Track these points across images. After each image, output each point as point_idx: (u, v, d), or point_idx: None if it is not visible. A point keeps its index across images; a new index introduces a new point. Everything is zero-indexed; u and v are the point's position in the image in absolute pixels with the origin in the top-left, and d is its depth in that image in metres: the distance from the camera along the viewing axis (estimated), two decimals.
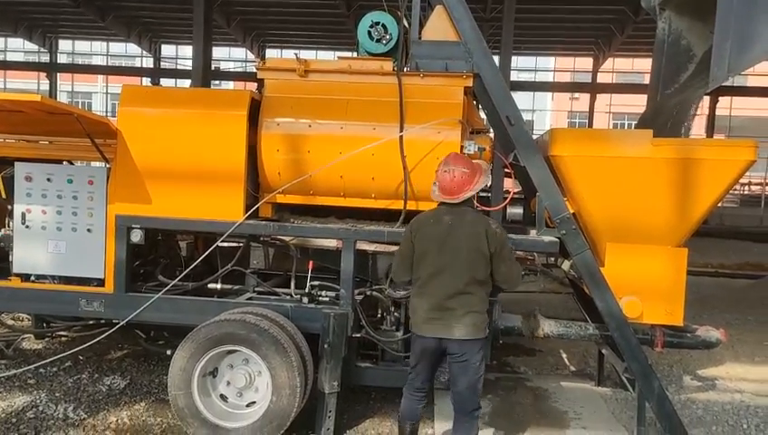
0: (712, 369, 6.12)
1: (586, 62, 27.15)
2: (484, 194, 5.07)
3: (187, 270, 4.69)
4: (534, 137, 5.09)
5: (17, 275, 4.78)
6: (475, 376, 3.78)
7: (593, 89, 26.38)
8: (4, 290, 4.77)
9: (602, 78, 26.72)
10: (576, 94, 31.68)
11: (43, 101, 4.15)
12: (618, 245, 4.50)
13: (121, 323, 4.62)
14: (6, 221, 4.93)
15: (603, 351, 5.33)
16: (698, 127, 28.14)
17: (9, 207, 4.84)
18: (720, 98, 25.12)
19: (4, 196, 4.86)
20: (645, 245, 4.46)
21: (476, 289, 3.74)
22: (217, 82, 27.68)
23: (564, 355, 6.58)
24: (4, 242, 4.86)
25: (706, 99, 25.41)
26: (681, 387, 5.68)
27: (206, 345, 4.23)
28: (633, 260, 4.49)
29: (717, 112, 25.17)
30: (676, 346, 4.89)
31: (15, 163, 4.77)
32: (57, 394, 5.03)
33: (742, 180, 31.33)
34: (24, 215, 4.69)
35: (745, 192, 31.76)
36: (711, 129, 24.97)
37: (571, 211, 4.49)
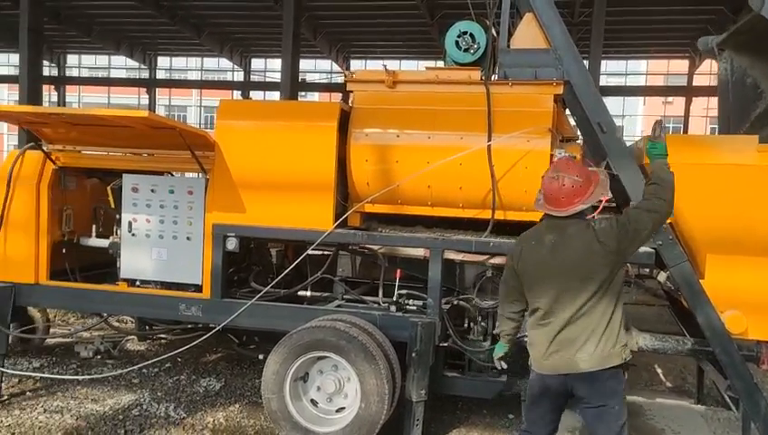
0: None
1: (681, 65, 25.98)
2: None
3: (279, 277, 4.84)
4: (627, 144, 4.94)
5: (124, 280, 5.09)
6: (616, 423, 3.15)
7: (688, 92, 25.17)
8: (113, 294, 5.09)
9: (698, 81, 25.47)
10: (670, 98, 30.32)
11: (150, 116, 4.41)
12: (719, 256, 4.28)
13: (218, 328, 4.81)
14: (115, 229, 5.26)
15: (703, 367, 5.09)
16: None
17: (117, 216, 5.16)
18: None
19: (112, 205, 5.19)
20: (749, 256, 4.22)
21: (603, 310, 3.15)
22: (303, 93, 28.41)
23: (660, 370, 6.32)
24: (113, 249, 5.19)
25: None
26: None
27: (298, 351, 4.34)
28: (736, 272, 4.25)
29: None
30: None
31: (123, 175, 5.09)
32: (159, 393, 5.31)
33: None
34: (130, 223, 4.99)
35: None
36: None
37: (669, 221, 4.31)
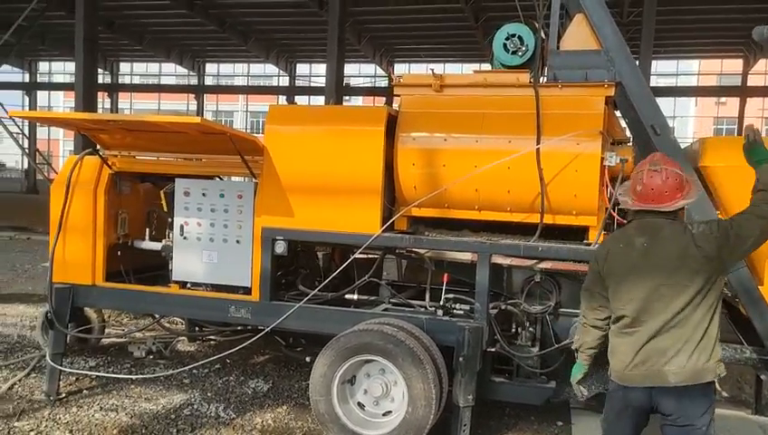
0: None
1: (735, 64, 25.22)
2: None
3: (327, 280, 4.87)
4: (681, 146, 4.82)
5: (176, 282, 5.21)
6: None
7: (743, 92, 24.49)
8: (166, 296, 5.21)
9: (753, 80, 24.68)
10: (723, 99, 29.47)
11: (203, 122, 4.51)
12: None
13: (267, 330, 4.87)
14: (167, 233, 5.39)
15: (762, 376, 4.89)
16: None
17: (169, 219, 5.29)
18: None
19: (165, 209, 5.32)
20: None
21: (698, 318, 2.92)
22: (348, 97, 28.65)
23: (716, 379, 6.11)
24: (165, 252, 5.32)
25: None
26: None
27: (345, 354, 4.37)
28: None
29: None
30: None
31: (175, 179, 5.21)
32: (209, 394, 5.41)
33: None
34: (182, 227, 5.11)
35: None
36: None
37: None
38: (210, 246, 5.07)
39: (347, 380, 4.46)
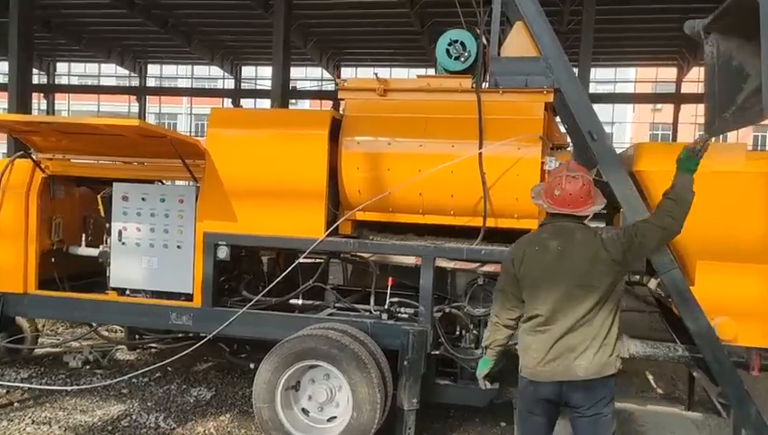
0: None
1: (669, 72, 26.20)
2: None
3: (271, 285, 4.83)
4: (617, 151, 4.96)
5: (114, 289, 5.06)
6: (608, 432, 3.16)
7: (677, 99, 25.42)
8: (103, 304, 5.05)
9: (687, 88, 25.69)
10: (659, 106, 30.57)
11: (141, 125, 4.41)
12: (709, 263, 4.30)
13: (209, 337, 4.79)
14: (104, 238, 5.23)
15: (694, 374, 5.09)
16: None
17: (107, 224, 5.13)
18: None
19: (102, 214, 5.16)
20: (738, 263, 4.25)
21: (604, 317, 3.14)
22: (294, 101, 28.43)
23: (651, 377, 6.33)
24: (103, 258, 5.16)
25: None
26: None
27: (289, 359, 4.33)
28: (726, 279, 4.28)
29: None
30: None
31: (113, 183, 5.06)
32: (149, 404, 5.27)
33: None
34: (120, 232, 4.96)
35: None
36: None
37: None
38: (150, 252, 4.94)
39: (291, 386, 4.42)
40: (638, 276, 5.14)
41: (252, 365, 4.92)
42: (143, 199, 4.95)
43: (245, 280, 5.30)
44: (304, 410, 4.45)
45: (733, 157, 4.18)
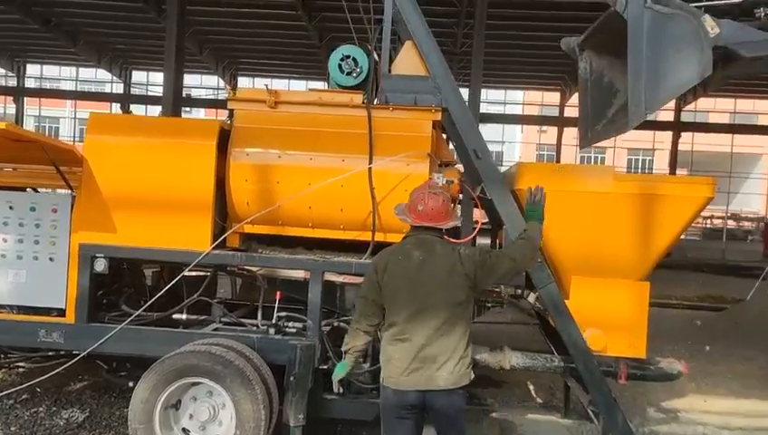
0: (675, 401, 6.19)
1: (554, 97, 27.76)
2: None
3: (152, 300, 4.62)
4: (503, 169, 5.18)
5: None
6: (462, 424, 3.48)
7: (560, 123, 26.94)
8: None
9: (569, 112, 27.30)
10: (544, 127, 32.28)
11: (8, 128, 4.10)
12: (582, 278, 4.57)
13: (82, 355, 4.51)
14: None
15: (569, 383, 5.37)
16: (662, 162, 28.95)
17: None
18: (682, 134, 25.86)
19: None
20: (609, 278, 4.54)
21: (459, 329, 3.38)
22: (188, 109, 27.58)
23: (531, 387, 6.60)
24: None
25: (669, 134, 26.17)
26: (645, 419, 5.73)
27: (170, 377, 4.15)
28: (597, 293, 4.55)
29: (680, 148, 25.85)
30: (639, 379, 4.94)
31: None
32: (12, 428, 4.88)
33: (705, 214, 32.28)
34: None
35: (708, 226, 32.64)
36: (674, 164, 25.62)
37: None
38: (17, 264, 4.61)
39: (171, 404, 4.25)
40: (518, 290, 5.37)
41: (131, 384, 4.67)
42: (10, 208, 4.60)
43: (126, 294, 5.05)
44: (185, 430, 4.28)
45: (602, 178, 4.47)
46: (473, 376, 3.47)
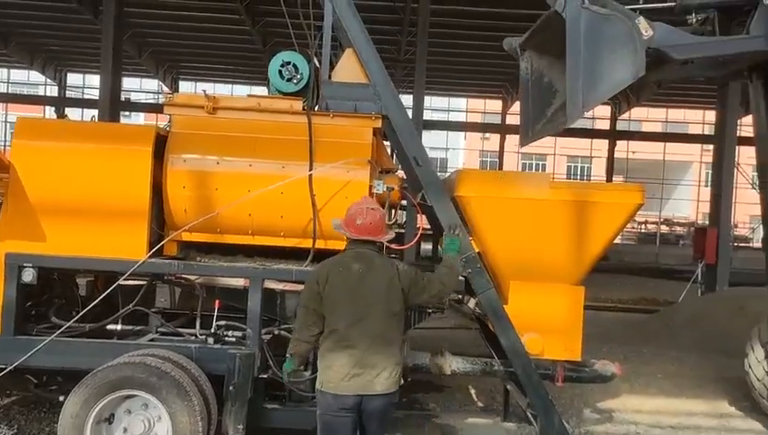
0: (610, 402, 6.38)
1: (496, 104, 28.29)
2: (400, 231, 5.15)
3: (84, 311, 4.47)
4: (445, 175, 5.24)
5: None
6: (388, 423, 3.79)
7: (503, 130, 27.44)
8: None
9: (511, 120, 27.87)
10: (487, 134, 32.84)
11: None
12: (520, 283, 4.67)
13: (8, 369, 4.32)
14: None
15: (508, 387, 5.46)
16: (599, 169, 29.87)
17: None
18: (618, 142, 26.77)
19: None
20: (545, 283, 4.65)
21: (396, 338, 3.60)
22: (127, 113, 26.90)
23: (473, 391, 6.68)
24: None
25: (606, 142, 27.05)
26: (581, 420, 5.88)
27: (102, 390, 4.02)
28: (534, 298, 4.66)
29: (616, 155, 26.74)
30: (575, 381, 5.08)
31: None
32: None
33: (639, 219, 33.44)
34: None
35: (642, 230, 33.82)
36: (610, 171, 26.47)
37: (477, 250, 4.63)
38: None
39: (104, 419, 4.11)
40: (459, 296, 5.44)
41: (62, 398, 4.49)
42: None
43: (56, 305, 4.86)
44: None
45: (538, 186, 4.58)
46: (402, 381, 3.70)
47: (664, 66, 4.79)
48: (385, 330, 3.52)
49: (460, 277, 4.08)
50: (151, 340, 4.67)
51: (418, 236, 5.24)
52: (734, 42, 4.89)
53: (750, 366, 5.88)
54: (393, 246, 5.02)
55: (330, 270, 3.62)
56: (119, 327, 4.76)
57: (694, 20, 4.96)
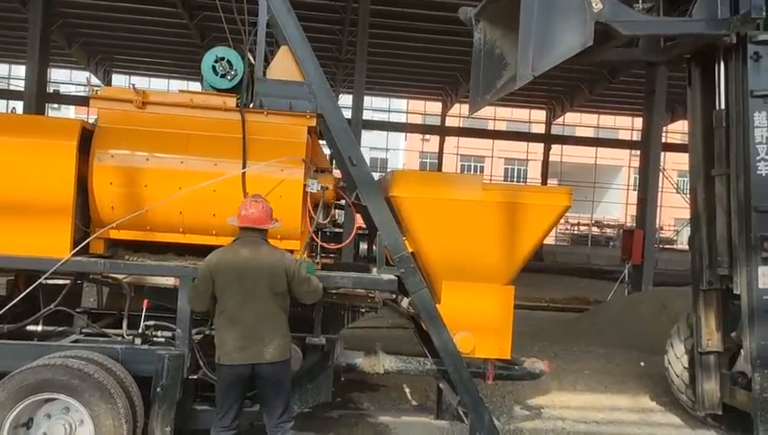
0: (539, 398, 6.54)
1: (436, 106, 28.59)
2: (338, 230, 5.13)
3: (1, 311, 4.27)
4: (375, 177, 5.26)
5: None
6: (285, 393, 4.11)
7: (442, 132, 27.77)
8: None
9: (450, 122, 28.22)
10: (427, 136, 33.15)
11: None
12: (452, 283, 4.73)
13: None
14: None
15: (440, 385, 5.53)
16: (535, 172, 30.63)
17: None
18: (553, 146, 27.51)
19: None
20: (477, 283, 4.73)
21: (280, 314, 4.03)
22: (56, 106, 25.89)
23: (407, 390, 6.73)
24: None
25: (541, 146, 27.76)
26: (512, 417, 6.01)
27: (20, 394, 3.87)
28: (466, 297, 4.74)
29: (551, 159, 27.47)
30: (505, 378, 5.20)
31: None
32: None
33: (572, 221, 34.40)
34: None
35: (575, 232, 34.89)
36: (545, 174, 27.19)
37: (410, 250, 4.67)
38: None
39: (21, 423, 3.95)
40: (393, 295, 5.47)
41: None
42: None
43: None
44: None
45: (471, 187, 4.66)
46: (291, 353, 4.21)
47: (610, 42, 5.03)
48: (270, 307, 3.97)
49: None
50: (75, 341, 4.52)
51: (352, 235, 5.24)
52: (677, 23, 5.39)
53: (669, 362, 6.14)
54: (330, 245, 5.03)
55: (220, 256, 4.03)
56: (40, 328, 4.59)
57: (641, 6, 5.19)
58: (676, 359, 6.06)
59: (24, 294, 4.34)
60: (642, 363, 7.76)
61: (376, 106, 30.66)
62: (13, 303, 4.31)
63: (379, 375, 5.28)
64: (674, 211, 29.83)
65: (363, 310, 5.09)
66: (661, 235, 28.65)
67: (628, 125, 29.94)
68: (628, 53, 6.52)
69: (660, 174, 17.05)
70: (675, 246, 31.14)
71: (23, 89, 17.46)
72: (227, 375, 3.98)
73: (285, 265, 4.04)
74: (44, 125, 4.66)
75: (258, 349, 3.93)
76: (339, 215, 5.28)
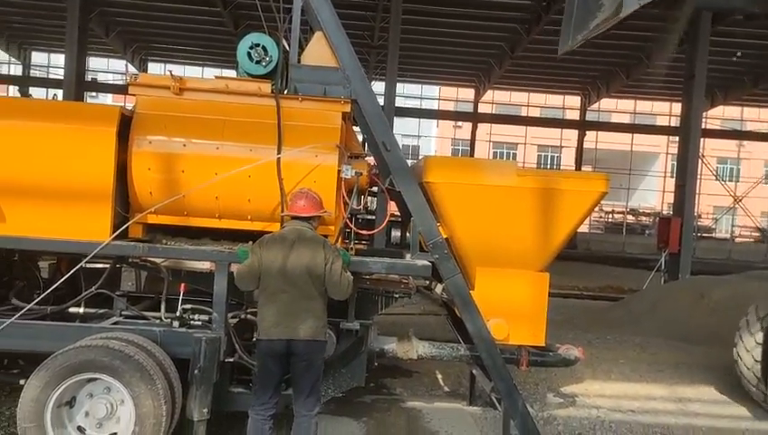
0: (573, 386, 6.50)
1: (468, 93, 28.33)
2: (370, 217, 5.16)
3: (44, 293, 4.40)
4: (409, 163, 5.25)
5: None
6: (315, 376, 4.17)
7: (474, 118, 27.53)
8: None
9: (483, 108, 27.95)
10: (459, 123, 32.90)
11: None
12: (486, 269, 4.72)
13: None
14: None
15: (474, 371, 5.52)
16: (568, 159, 30.19)
17: None
18: (587, 132, 27.07)
19: None
20: (511, 269, 4.71)
21: (317, 297, 4.13)
22: (94, 94, 26.35)
23: (440, 376, 6.75)
24: None
25: (575, 133, 27.34)
26: (545, 404, 5.98)
27: (63, 373, 3.97)
28: (500, 284, 4.72)
29: (585, 145, 27.05)
30: (539, 365, 5.17)
31: None
32: None
33: (606, 209, 33.85)
34: None
35: (610, 220, 34.35)
36: (579, 161, 26.78)
37: (444, 236, 4.65)
38: None
39: (65, 402, 4.05)
40: (427, 282, 5.47)
41: (22, 381, 4.42)
42: None
43: (17, 287, 4.77)
44: (80, 428, 4.10)
45: (505, 173, 4.62)
46: (327, 336, 4.34)
47: None
48: (307, 288, 4.10)
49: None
50: (115, 323, 4.61)
51: (386, 221, 5.24)
52: None
53: (739, 355, 6.02)
54: (363, 232, 5.05)
55: (269, 239, 4.20)
56: (81, 310, 4.70)
57: None
58: (746, 351, 5.94)
59: (66, 276, 4.44)
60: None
61: (408, 93, 30.51)
62: (55, 285, 4.42)
63: (411, 361, 5.30)
64: (712, 199, 29.14)
65: (397, 296, 5.09)
66: (699, 223, 28.01)
67: (666, 111, 29.24)
68: (731, 2, 6.12)
69: (699, 161, 16.65)
70: (713, 235, 30.46)
71: (62, 77, 17.84)
72: (265, 349, 4.12)
73: (324, 250, 4.14)
74: (85, 112, 4.74)
75: (293, 326, 4.07)
76: (370, 202, 5.30)
